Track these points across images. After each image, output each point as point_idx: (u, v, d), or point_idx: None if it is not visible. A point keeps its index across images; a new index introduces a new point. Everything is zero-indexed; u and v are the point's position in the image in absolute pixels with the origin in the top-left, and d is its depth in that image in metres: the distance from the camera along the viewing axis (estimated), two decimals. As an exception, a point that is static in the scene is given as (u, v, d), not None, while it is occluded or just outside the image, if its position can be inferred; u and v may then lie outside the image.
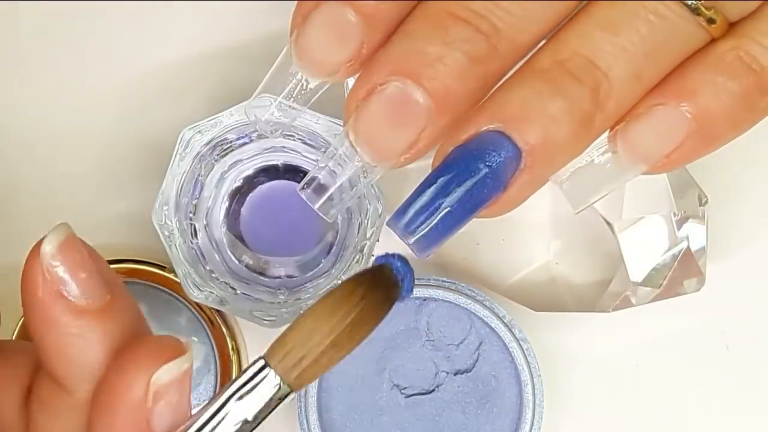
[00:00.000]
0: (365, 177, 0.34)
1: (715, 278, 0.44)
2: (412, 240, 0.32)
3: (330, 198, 0.34)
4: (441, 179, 0.33)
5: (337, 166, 0.33)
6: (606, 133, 0.34)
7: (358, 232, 0.43)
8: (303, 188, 0.34)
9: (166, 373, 0.31)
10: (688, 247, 0.44)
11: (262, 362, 0.31)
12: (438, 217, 0.32)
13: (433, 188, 0.33)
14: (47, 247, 0.32)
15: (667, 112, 0.33)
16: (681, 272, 0.44)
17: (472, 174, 0.32)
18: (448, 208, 0.32)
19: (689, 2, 0.32)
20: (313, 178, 0.34)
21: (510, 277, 0.47)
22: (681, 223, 0.44)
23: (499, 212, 0.34)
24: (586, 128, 0.32)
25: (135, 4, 0.47)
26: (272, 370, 0.31)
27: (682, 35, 0.33)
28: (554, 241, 0.47)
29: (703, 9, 0.32)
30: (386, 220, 0.33)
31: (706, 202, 0.44)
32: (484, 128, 0.32)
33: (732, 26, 0.33)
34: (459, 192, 0.32)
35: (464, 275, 0.47)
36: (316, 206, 0.34)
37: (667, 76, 0.33)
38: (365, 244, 0.42)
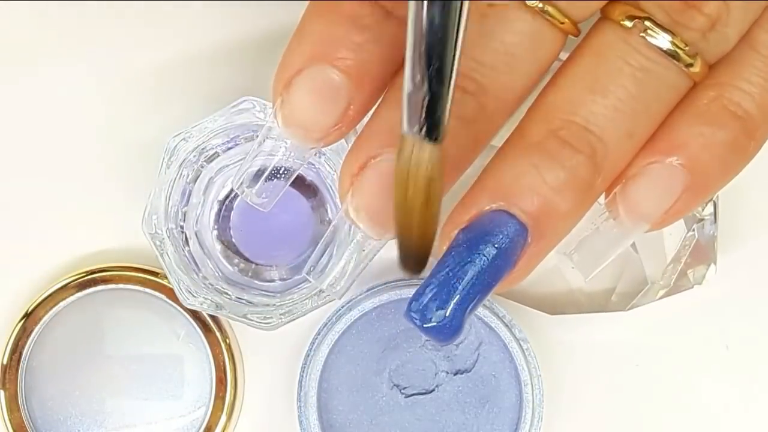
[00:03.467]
0: (365, 249, 0.34)
1: (715, 278, 0.44)
2: (429, 333, 0.32)
3: (337, 274, 0.34)
4: (451, 266, 0.32)
5: (338, 244, 0.33)
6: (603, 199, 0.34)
7: (351, 229, 0.43)
8: (310, 272, 0.34)
9: None
10: (698, 240, 0.44)
11: None
12: (452, 308, 0.32)
13: (442, 277, 0.32)
14: None
15: (662, 169, 0.33)
16: (692, 265, 0.44)
17: (482, 257, 0.32)
18: (462, 296, 0.32)
19: (671, 49, 0.32)
20: (316, 260, 0.34)
21: (525, 283, 0.47)
22: (691, 221, 0.44)
23: (509, 287, 0.34)
24: (587, 193, 0.32)
25: (112, 11, 0.47)
26: None
27: (668, 85, 0.33)
28: (564, 245, 0.47)
29: (683, 55, 0.32)
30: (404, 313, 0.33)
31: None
32: (487, 208, 0.32)
33: (711, 73, 0.33)
34: (471, 277, 0.32)
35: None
36: (325, 286, 0.34)
37: (656, 131, 0.33)
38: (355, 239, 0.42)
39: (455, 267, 0.32)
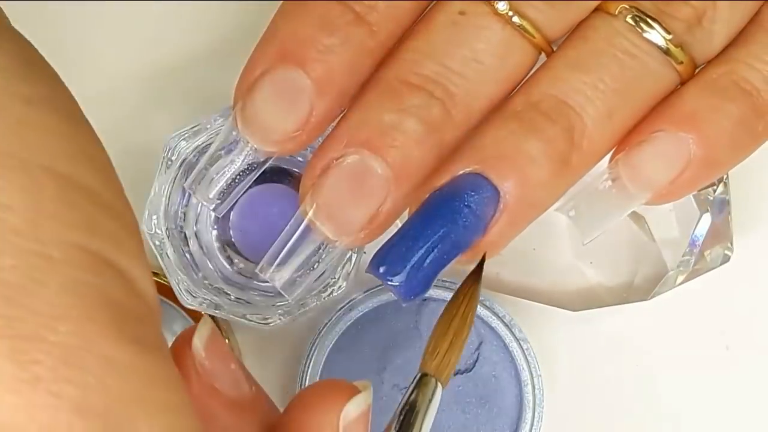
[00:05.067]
0: (327, 255, 0.33)
1: (715, 278, 0.44)
2: (394, 287, 0.32)
3: (295, 277, 0.34)
4: (420, 222, 0.32)
5: (299, 245, 0.33)
6: (607, 161, 0.34)
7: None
8: (262, 269, 0.34)
9: (355, 408, 0.29)
10: (713, 221, 0.43)
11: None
12: (419, 262, 0.32)
13: (412, 232, 0.32)
14: (198, 343, 0.29)
15: (668, 138, 0.33)
16: (709, 247, 0.44)
17: (452, 216, 0.32)
18: (430, 252, 0.32)
19: (653, 34, 0.32)
20: (273, 258, 0.33)
21: (544, 282, 0.47)
22: (703, 203, 0.44)
23: (477, 256, 0.33)
24: (563, 168, 0.32)
25: (112, 11, 0.47)
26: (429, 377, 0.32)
27: (651, 72, 0.33)
28: (579, 240, 0.47)
29: (667, 44, 0.33)
30: (366, 268, 0.33)
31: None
32: (461, 172, 0.32)
33: (721, 52, 0.34)
34: (439, 235, 0.32)
35: (500, 287, 0.47)
36: (280, 285, 0.34)
37: (664, 100, 0.33)
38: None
39: (424, 224, 0.32)
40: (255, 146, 0.33)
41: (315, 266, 0.34)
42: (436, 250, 0.32)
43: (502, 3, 0.32)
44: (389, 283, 0.32)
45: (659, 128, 0.33)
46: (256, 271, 0.34)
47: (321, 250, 0.34)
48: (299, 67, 0.32)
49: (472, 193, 0.32)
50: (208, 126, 0.41)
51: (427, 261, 0.32)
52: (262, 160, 0.34)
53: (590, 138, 0.32)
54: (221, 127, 0.42)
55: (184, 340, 0.29)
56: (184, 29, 0.47)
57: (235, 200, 0.35)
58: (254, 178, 0.34)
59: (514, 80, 0.33)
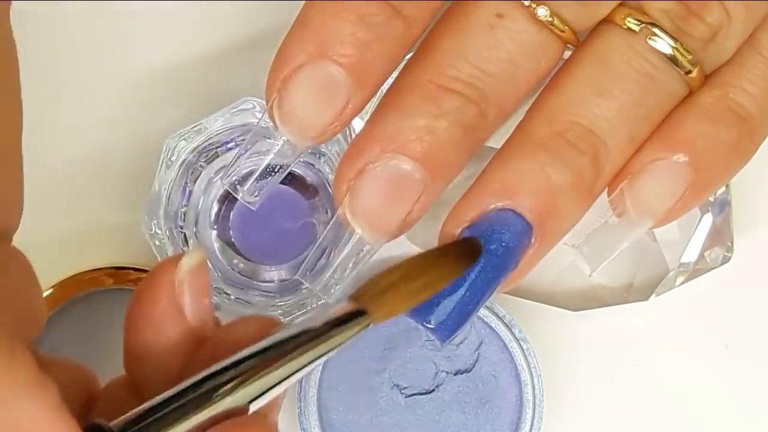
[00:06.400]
0: (361, 253, 0.34)
1: (715, 278, 0.44)
2: (433, 328, 0.32)
3: (332, 280, 0.34)
4: None
5: (334, 248, 0.33)
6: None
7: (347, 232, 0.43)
8: (304, 275, 0.34)
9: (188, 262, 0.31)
10: (714, 222, 0.44)
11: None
12: (458, 303, 0.32)
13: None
14: (185, 262, 0.31)
15: (668, 166, 0.33)
16: (709, 247, 0.44)
17: (489, 257, 0.32)
18: (468, 294, 0.32)
19: (674, 56, 0.32)
20: (312, 263, 0.34)
21: (544, 282, 0.47)
22: (704, 203, 0.44)
23: (507, 288, 0.34)
24: (588, 194, 0.33)
25: (112, 11, 0.47)
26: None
27: (668, 92, 0.33)
28: (573, 237, 0.47)
29: (685, 63, 0.33)
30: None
31: None
32: (492, 206, 0.32)
33: (712, 75, 0.34)
34: (476, 276, 0.32)
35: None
36: (318, 288, 0.34)
37: (660, 126, 0.34)
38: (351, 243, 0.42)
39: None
40: (292, 140, 0.33)
41: (350, 266, 0.34)
42: (472, 293, 0.32)
43: (542, 9, 0.32)
44: (428, 329, 0.32)
45: (658, 156, 0.33)
46: (297, 277, 0.34)
47: (360, 252, 0.34)
48: (337, 62, 0.32)
49: (505, 232, 0.32)
50: (208, 126, 0.42)
51: (465, 303, 0.32)
52: (297, 153, 0.34)
53: (613, 163, 0.33)
54: (224, 126, 0.42)
55: (173, 259, 0.31)
56: (184, 30, 0.47)
57: (266, 194, 0.35)
58: (286, 171, 0.34)
59: (544, 78, 0.33)
